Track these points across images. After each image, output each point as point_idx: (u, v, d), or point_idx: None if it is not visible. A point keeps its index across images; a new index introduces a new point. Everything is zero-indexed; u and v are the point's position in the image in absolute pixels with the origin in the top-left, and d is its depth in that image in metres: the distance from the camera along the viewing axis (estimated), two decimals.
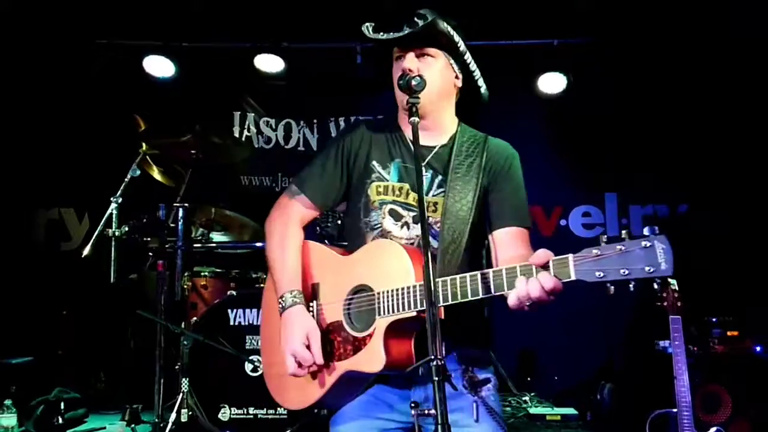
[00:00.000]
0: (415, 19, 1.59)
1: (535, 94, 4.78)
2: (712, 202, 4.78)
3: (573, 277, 1.26)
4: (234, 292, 3.29)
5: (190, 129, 3.59)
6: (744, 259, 4.51)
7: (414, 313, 1.46)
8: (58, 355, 4.39)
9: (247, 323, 3.17)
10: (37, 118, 4.91)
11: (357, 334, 1.57)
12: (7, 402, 3.21)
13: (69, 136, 4.92)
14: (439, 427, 1.18)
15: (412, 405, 1.30)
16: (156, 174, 4.17)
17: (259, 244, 3.79)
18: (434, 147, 1.71)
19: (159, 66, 4.77)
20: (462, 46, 1.68)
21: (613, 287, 1.21)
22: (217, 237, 4.05)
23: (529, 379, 4.25)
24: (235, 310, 3.18)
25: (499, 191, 1.68)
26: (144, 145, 3.80)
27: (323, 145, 5.22)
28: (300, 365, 1.60)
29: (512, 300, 1.35)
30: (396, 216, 1.67)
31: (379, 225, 1.69)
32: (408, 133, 1.71)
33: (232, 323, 3.18)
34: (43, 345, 4.30)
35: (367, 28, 1.67)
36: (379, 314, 1.52)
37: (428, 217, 1.63)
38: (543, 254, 1.32)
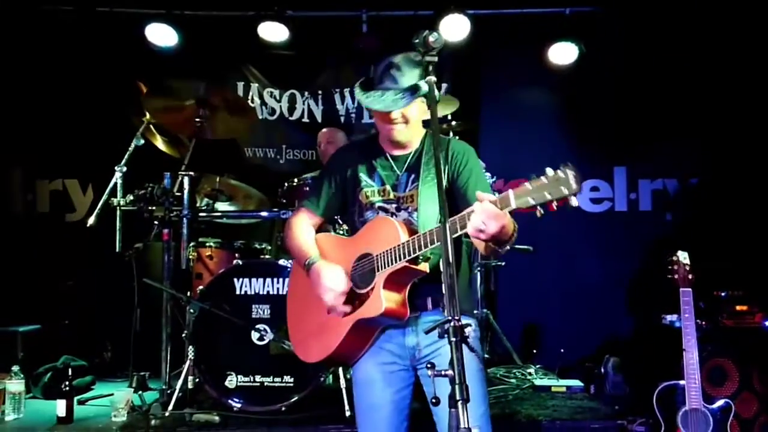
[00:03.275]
0: (394, 73, 1.92)
1: (545, 64, 4.70)
2: (723, 176, 4.73)
3: (513, 206, 1.56)
4: (240, 262, 3.27)
5: (195, 89, 3.53)
6: (754, 232, 4.48)
7: (405, 263, 1.82)
8: (65, 325, 4.40)
9: (253, 292, 3.16)
10: (39, 89, 4.85)
11: (362, 291, 1.95)
12: (15, 368, 3.23)
13: (72, 108, 4.87)
14: (457, 386, 1.18)
15: (428, 366, 1.35)
16: (160, 144, 4.13)
17: (264, 214, 3.77)
18: (408, 154, 2.11)
19: (161, 34, 4.69)
20: (432, 88, 1.83)
21: (540, 210, 1.52)
22: (222, 207, 4.02)
23: (534, 351, 4.26)
24: (241, 279, 3.17)
25: (462, 178, 2.01)
26: (148, 114, 3.76)
27: (328, 116, 5.18)
28: (336, 296, 1.95)
29: (471, 232, 1.64)
30: (384, 210, 2.05)
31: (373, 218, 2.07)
32: (387, 149, 2.12)
33: (238, 292, 3.17)
34: (49, 314, 4.31)
35: (359, 89, 2.01)
36: (378, 270, 1.89)
37: (408, 206, 2.03)
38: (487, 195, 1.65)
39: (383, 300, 1.82)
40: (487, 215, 1.58)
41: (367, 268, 1.94)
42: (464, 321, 1.55)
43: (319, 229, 2.24)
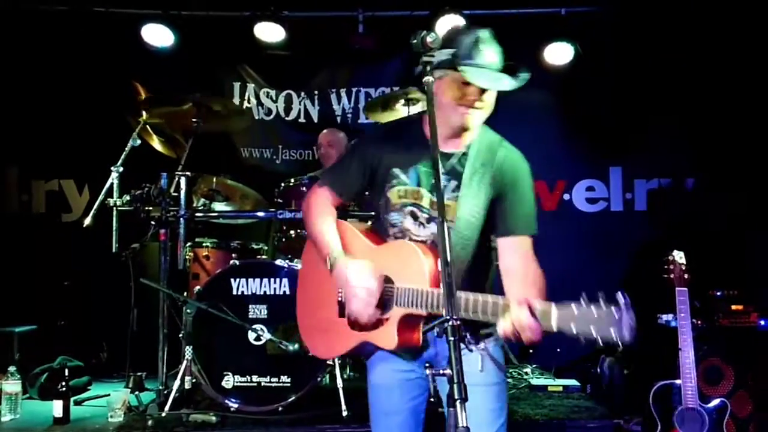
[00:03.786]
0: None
1: (541, 64, 4.71)
2: (719, 176, 4.75)
3: (553, 329, 1.43)
4: (237, 262, 3.27)
5: (191, 97, 3.53)
6: (750, 234, 4.50)
7: (425, 313, 1.68)
8: (61, 326, 4.39)
9: (250, 293, 3.16)
10: (35, 89, 4.84)
11: (377, 315, 1.79)
12: (12, 369, 3.22)
13: (68, 108, 4.85)
14: (455, 386, 1.19)
15: (427, 366, 1.35)
16: (156, 144, 4.13)
17: (261, 214, 3.76)
18: (452, 153, 1.85)
19: (158, 35, 4.68)
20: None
21: (583, 341, 1.38)
22: (219, 207, 4.02)
23: (531, 351, 4.27)
24: (237, 280, 3.17)
25: (506, 200, 1.83)
26: (144, 114, 3.75)
27: (324, 116, 5.17)
28: (367, 298, 1.77)
29: (499, 331, 1.53)
30: (414, 216, 1.85)
31: (398, 224, 1.88)
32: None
33: (235, 292, 3.16)
34: (45, 315, 4.30)
35: (451, 57, 1.72)
36: (397, 304, 1.74)
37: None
38: (530, 299, 1.50)
39: (396, 336, 1.72)
40: (520, 325, 1.46)
41: (385, 294, 1.79)
42: (485, 330, 1.58)
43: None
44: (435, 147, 1.53)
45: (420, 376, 1.89)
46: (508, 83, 1.73)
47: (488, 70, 1.71)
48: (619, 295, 1.34)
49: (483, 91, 1.74)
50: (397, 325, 1.72)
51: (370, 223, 2.16)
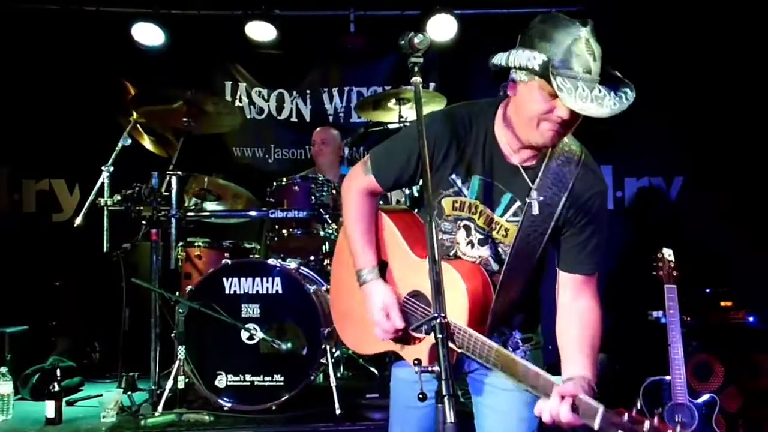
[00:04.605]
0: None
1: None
2: (708, 175, 4.79)
3: (595, 429, 1.26)
4: (229, 261, 3.27)
5: (181, 96, 3.53)
6: (739, 231, 4.54)
7: (458, 350, 1.52)
8: (52, 326, 4.37)
9: (242, 291, 3.15)
10: (25, 88, 4.80)
11: (410, 332, 1.68)
12: (3, 369, 3.20)
13: (58, 107, 4.82)
14: (443, 382, 1.19)
15: (415, 362, 1.34)
16: (147, 143, 4.12)
17: (253, 213, 3.76)
18: (522, 166, 1.60)
19: (148, 34, 4.67)
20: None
21: None
22: (211, 206, 4.01)
23: None
24: (230, 279, 3.16)
25: (576, 232, 1.61)
26: (135, 113, 3.74)
27: (317, 115, 5.17)
28: (384, 332, 1.70)
29: (536, 411, 1.40)
30: (468, 232, 1.67)
31: (451, 233, 1.70)
32: (503, 147, 1.60)
33: (227, 292, 3.16)
34: (36, 316, 4.27)
35: (542, 67, 1.40)
36: (430, 333, 1.56)
37: (497, 240, 1.65)
38: (575, 389, 1.34)
39: (427, 359, 1.58)
40: (557, 418, 1.33)
41: (419, 312, 1.67)
42: (525, 336, 1.55)
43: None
44: (423, 150, 1.43)
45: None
46: (610, 107, 1.41)
47: (587, 91, 1.39)
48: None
49: (570, 110, 1.44)
50: (429, 349, 1.61)
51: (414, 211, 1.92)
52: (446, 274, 1.51)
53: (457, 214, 1.66)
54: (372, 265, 1.75)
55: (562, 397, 1.31)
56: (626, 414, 1.20)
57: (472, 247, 1.66)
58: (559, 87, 1.37)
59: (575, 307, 1.64)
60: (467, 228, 1.66)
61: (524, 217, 1.58)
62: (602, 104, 1.41)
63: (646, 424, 1.17)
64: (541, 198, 1.57)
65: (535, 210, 1.57)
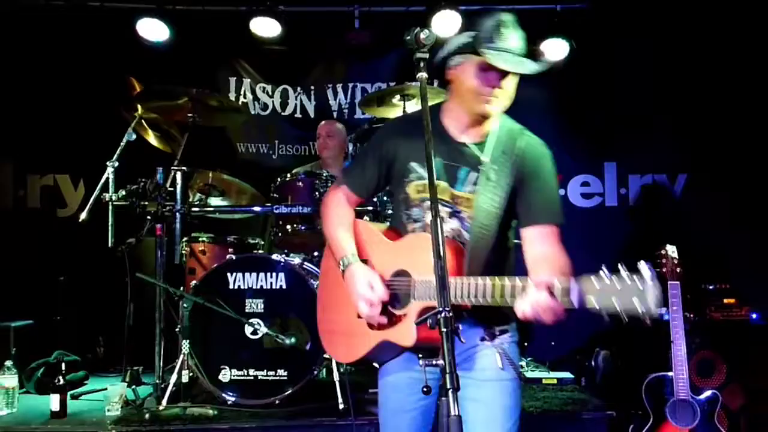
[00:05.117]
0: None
1: (536, 60, 4.71)
2: (712, 172, 4.78)
3: (574, 305, 1.35)
4: (233, 257, 3.28)
5: (186, 91, 3.53)
6: (743, 229, 4.53)
7: (457, 302, 1.58)
8: (57, 321, 4.39)
9: (246, 287, 3.17)
10: (30, 84, 4.82)
11: (394, 311, 1.76)
12: (8, 363, 3.23)
13: (63, 103, 4.84)
14: (448, 375, 1.20)
15: (420, 357, 1.35)
16: (152, 139, 4.12)
17: (257, 209, 3.77)
18: (472, 143, 1.80)
19: (152, 29, 4.68)
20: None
21: (606, 317, 1.31)
22: (215, 202, 4.02)
23: (525, 344, 4.29)
24: (234, 274, 3.17)
25: (528, 189, 1.76)
26: (139, 108, 3.75)
27: (321, 111, 5.18)
28: (371, 306, 1.75)
29: (518, 313, 1.48)
30: None
31: (421, 219, 1.84)
32: (449, 129, 1.81)
33: (231, 287, 3.17)
34: (41, 310, 4.30)
35: (471, 40, 1.68)
36: (414, 298, 1.70)
37: (461, 210, 1.79)
38: (549, 278, 1.43)
39: (414, 332, 1.65)
40: (540, 307, 1.40)
41: (402, 289, 1.75)
42: (501, 327, 1.54)
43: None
44: (428, 143, 1.52)
45: (432, 377, 1.78)
46: (531, 67, 1.67)
47: (510, 54, 1.65)
48: (642, 265, 1.27)
49: (504, 76, 1.69)
50: (416, 318, 1.66)
51: (387, 223, 2.11)
52: (422, 239, 1.70)
53: (422, 196, 1.81)
54: (353, 252, 1.85)
55: (538, 287, 1.40)
56: (593, 277, 1.29)
57: (444, 222, 1.75)
58: (487, 53, 1.63)
59: (541, 251, 1.74)
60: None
61: (480, 184, 1.75)
62: (524, 65, 1.67)
63: (604, 274, 1.27)
64: (495, 166, 1.75)
65: (491, 176, 1.74)
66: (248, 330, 3.13)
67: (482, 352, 1.46)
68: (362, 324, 1.84)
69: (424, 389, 1.35)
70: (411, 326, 1.66)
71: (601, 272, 1.32)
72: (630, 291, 1.26)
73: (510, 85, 1.72)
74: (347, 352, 1.92)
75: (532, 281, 1.44)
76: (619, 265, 1.29)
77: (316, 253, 3.68)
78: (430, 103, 1.62)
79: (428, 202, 1.77)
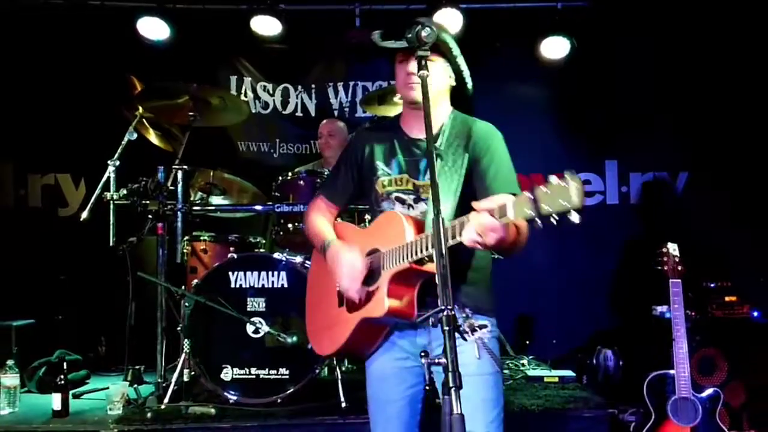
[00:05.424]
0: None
1: (537, 58, 4.72)
2: (714, 170, 4.78)
3: (511, 218, 1.45)
4: (235, 255, 3.28)
5: (187, 90, 3.53)
6: (744, 226, 4.53)
7: (407, 264, 1.73)
8: (58, 320, 4.40)
9: (248, 285, 3.17)
10: (30, 83, 4.82)
11: (369, 288, 1.86)
12: (10, 362, 3.23)
13: (64, 102, 4.84)
14: (450, 374, 1.21)
15: (422, 354, 1.36)
16: (153, 138, 4.13)
17: (258, 207, 3.77)
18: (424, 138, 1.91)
19: (153, 28, 4.68)
20: (456, 52, 1.92)
21: (539, 223, 1.40)
22: (216, 200, 4.03)
23: (527, 342, 4.31)
24: (236, 273, 3.18)
25: (483, 167, 1.89)
26: (140, 107, 3.75)
27: (322, 110, 5.18)
28: (352, 279, 1.87)
29: (467, 243, 1.56)
30: (401, 201, 1.96)
31: (391, 209, 1.98)
32: (407, 130, 2.00)
33: (233, 285, 3.18)
34: (43, 310, 4.30)
35: (378, 36, 1.84)
36: (383, 269, 1.81)
37: (427, 197, 1.92)
38: (488, 202, 1.53)
39: (386, 301, 1.75)
40: (482, 228, 1.50)
41: (374, 264, 1.87)
42: (480, 321, 1.53)
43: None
44: (430, 142, 1.55)
45: (416, 364, 1.93)
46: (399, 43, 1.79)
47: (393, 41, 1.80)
48: (567, 171, 1.34)
49: (406, 60, 1.86)
50: (387, 288, 1.77)
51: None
52: (388, 216, 1.89)
53: (388, 189, 1.97)
54: (333, 237, 2.02)
55: (479, 211, 1.50)
56: (525, 192, 1.38)
57: (411, 208, 1.94)
58: (381, 42, 1.78)
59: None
60: (399, 198, 1.96)
61: (438, 170, 1.81)
62: (403, 42, 1.74)
63: (551, 180, 1.32)
64: (449, 151, 1.90)
65: (447, 160, 1.88)
66: (250, 329, 3.13)
67: (461, 348, 1.48)
68: (341, 312, 1.94)
69: (426, 386, 1.38)
70: (382, 296, 1.77)
71: (532, 187, 1.42)
72: (557, 193, 1.33)
73: (413, 67, 1.82)
74: (330, 343, 2.01)
75: (473, 209, 1.54)
76: (549, 176, 1.36)
77: None
78: (393, 113, 1.67)
79: (393, 194, 1.95)
